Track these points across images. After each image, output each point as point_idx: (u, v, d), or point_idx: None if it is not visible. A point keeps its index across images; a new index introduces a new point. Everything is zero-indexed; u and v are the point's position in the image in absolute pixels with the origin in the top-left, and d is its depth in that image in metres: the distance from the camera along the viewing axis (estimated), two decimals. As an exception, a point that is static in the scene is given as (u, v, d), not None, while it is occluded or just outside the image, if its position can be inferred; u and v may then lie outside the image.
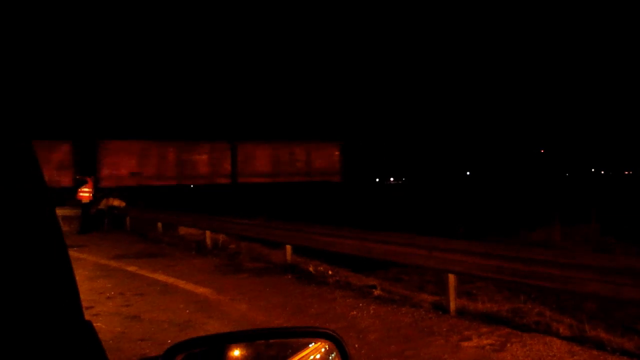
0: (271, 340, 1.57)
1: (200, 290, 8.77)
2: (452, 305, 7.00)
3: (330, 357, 1.54)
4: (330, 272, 9.68)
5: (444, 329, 6.29)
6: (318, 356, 1.57)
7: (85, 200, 18.47)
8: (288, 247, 10.85)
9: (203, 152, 27.82)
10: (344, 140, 32.97)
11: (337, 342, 1.50)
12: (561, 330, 5.96)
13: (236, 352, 1.50)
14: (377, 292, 8.19)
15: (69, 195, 19.53)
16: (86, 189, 18.57)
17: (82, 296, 1.13)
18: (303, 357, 1.55)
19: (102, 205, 19.76)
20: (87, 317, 1.13)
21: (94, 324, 1.14)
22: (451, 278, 7.06)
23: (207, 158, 27.82)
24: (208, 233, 14.11)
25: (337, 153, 31.27)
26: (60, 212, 17.31)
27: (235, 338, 1.55)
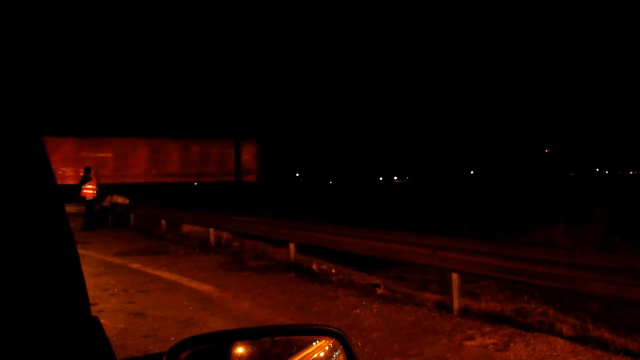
0: (276, 338, 1.57)
1: (204, 287, 8.79)
2: (456, 305, 7.00)
3: (334, 355, 1.54)
4: (333, 271, 9.68)
5: (447, 328, 6.28)
6: (322, 354, 1.58)
7: (89, 197, 18.50)
8: (291, 245, 10.86)
9: (108, 150, 26.62)
10: (260, 137, 30.73)
11: (342, 340, 1.51)
12: (564, 330, 5.95)
13: (240, 350, 1.50)
14: (380, 291, 8.20)
15: None
16: (90, 186, 18.60)
17: (88, 292, 1.14)
18: (308, 354, 1.55)
19: (106, 202, 19.81)
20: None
21: (99, 321, 1.14)
22: (454, 277, 7.06)
23: (112, 156, 26.71)
24: (211, 231, 14.13)
25: (254, 151, 29.33)
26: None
27: (240, 335, 1.55)
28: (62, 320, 1.01)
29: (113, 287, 8.80)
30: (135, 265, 10.85)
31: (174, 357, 1.30)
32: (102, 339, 1.11)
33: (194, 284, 9.07)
